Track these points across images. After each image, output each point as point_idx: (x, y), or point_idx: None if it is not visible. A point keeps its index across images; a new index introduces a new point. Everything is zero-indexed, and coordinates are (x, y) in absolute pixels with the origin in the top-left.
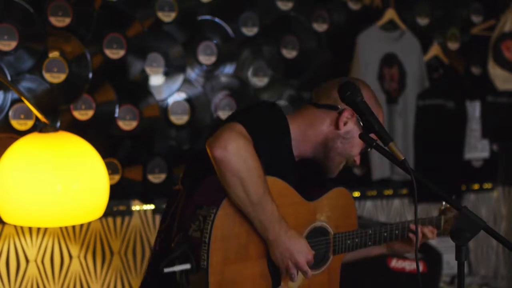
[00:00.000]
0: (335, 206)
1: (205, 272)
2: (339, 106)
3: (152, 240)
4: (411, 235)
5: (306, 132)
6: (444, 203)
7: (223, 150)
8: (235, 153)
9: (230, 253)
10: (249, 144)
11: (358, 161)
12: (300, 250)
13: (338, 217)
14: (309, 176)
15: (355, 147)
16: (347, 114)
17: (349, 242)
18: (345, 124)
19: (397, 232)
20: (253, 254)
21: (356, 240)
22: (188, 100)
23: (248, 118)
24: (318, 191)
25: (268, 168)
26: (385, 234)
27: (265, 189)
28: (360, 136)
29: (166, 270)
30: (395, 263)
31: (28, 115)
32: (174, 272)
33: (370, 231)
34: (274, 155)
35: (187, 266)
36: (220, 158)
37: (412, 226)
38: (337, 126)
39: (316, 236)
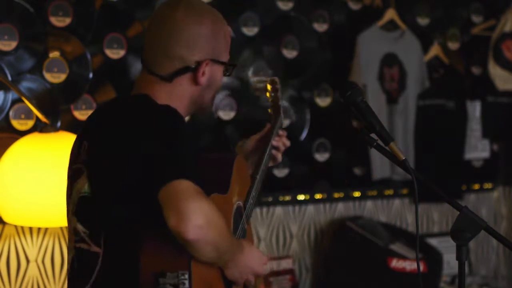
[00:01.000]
0: (239, 179)
1: None
2: (190, 65)
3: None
4: (273, 152)
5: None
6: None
7: (197, 230)
8: (209, 225)
9: None
10: (207, 201)
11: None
12: (257, 262)
13: (242, 187)
14: None
15: (219, 80)
16: (203, 67)
17: (251, 201)
18: (203, 75)
19: (268, 159)
20: (216, 284)
21: (254, 194)
22: None
23: (179, 161)
24: (225, 176)
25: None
26: (264, 168)
27: (230, 234)
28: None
29: None
30: (395, 263)
31: (28, 115)
32: None
33: (257, 176)
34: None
35: None
36: (196, 239)
37: (274, 142)
38: (197, 83)
39: (237, 221)
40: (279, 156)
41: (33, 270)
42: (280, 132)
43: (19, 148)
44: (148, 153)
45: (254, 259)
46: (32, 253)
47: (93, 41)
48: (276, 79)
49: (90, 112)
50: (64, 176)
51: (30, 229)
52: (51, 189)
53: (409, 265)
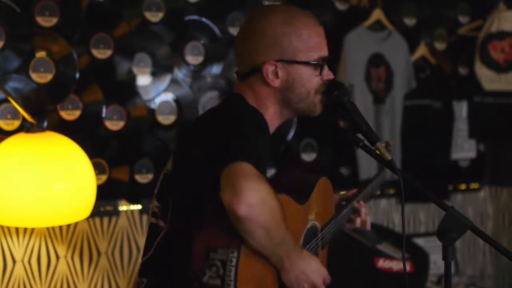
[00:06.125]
0: (320, 200)
1: None
2: (256, 67)
3: (140, 241)
4: (352, 216)
5: (265, 111)
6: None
7: (248, 207)
8: (261, 205)
9: None
10: (266, 185)
11: (330, 75)
12: (315, 270)
13: (323, 210)
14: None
15: (308, 82)
16: (266, 67)
17: (332, 230)
18: (276, 76)
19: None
20: (269, 285)
21: (336, 226)
22: (176, 100)
23: (245, 147)
24: (306, 189)
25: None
26: (348, 214)
27: (285, 226)
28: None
29: None
30: (382, 263)
31: (15, 115)
32: None
33: (345, 211)
34: (268, 157)
35: None
36: (247, 216)
37: (356, 204)
38: (268, 84)
39: (310, 239)
40: (357, 222)
41: (19, 270)
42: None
43: (5, 148)
44: (220, 138)
45: (312, 269)
46: (18, 253)
47: (79, 41)
48: (391, 142)
49: (76, 112)
50: (50, 176)
51: (17, 229)
52: (38, 189)
53: (396, 265)
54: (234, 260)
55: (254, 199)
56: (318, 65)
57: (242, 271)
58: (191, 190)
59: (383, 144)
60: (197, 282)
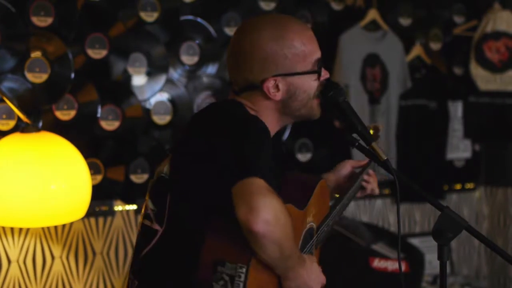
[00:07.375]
0: (318, 202)
1: None
2: (256, 84)
3: (135, 241)
4: (363, 183)
5: (264, 119)
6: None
7: (265, 224)
8: (276, 222)
9: None
10: (279, 200)
11: (326, 75)
12: (315, 279)
13: (319, 211)
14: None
15: (309, 88)
16: (266, 84)
17: (325, 228)
18: (277, 89)
19: (353, 194)
20: None
21: (330, 223)
22: (171, 100)
23: (256, 161)
24: (305, 194)
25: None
26: (346, 201)
27: (295, 243)
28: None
29: None
30: (377, 263)
31: (10, 115)
32: None
33: (338, 207)
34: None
35: None
36: (262, 233)
37: (365, 177)
38: (270, 98)
39: (308, 241)
40: (369, 188)
41: (14, 271)
42: (370, 172)
43: (0, 149)
44: (229, 150)
45: (313, 277)
46: (13, 253)
47: (75, 41)
48: (381, 126)
49: (71, 112)
50: (45, 176)
51: (12, 229)
52: (33, 189)
53: (391, 265)
54: (243, 276)
55: (269, 216)
56: (316, 72)
57: (250, 285)
58: (195, 198)
59: (371, 129)
60: None
